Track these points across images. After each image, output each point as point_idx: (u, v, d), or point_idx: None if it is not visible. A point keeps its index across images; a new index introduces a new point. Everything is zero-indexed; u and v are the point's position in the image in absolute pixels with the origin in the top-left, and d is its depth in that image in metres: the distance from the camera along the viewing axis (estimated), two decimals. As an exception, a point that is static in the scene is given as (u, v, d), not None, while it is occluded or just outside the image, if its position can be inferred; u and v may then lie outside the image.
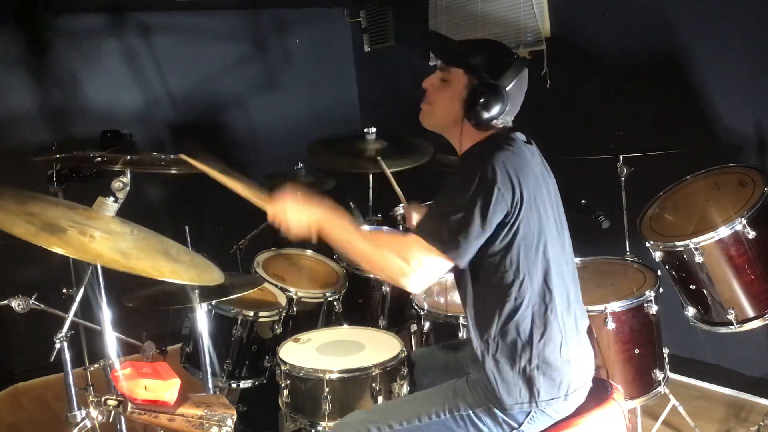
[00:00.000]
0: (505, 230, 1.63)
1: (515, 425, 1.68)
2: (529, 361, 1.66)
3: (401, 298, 3.01)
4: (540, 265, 1.67)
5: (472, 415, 1.69)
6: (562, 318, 1.70)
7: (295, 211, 1.70)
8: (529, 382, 1.66)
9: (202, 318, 2.22)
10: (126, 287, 2.29)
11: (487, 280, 1.69)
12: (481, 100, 1.68)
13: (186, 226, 2.32)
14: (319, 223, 1.70)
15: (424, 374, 2.08)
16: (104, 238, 1.49)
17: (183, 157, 1.66)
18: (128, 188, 1.65)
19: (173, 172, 1.95)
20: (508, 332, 1.66)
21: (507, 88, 1.70)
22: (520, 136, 1.76)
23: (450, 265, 1.64)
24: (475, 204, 1.59)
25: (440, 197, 1.70)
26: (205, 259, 1.77)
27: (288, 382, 2.11)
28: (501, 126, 1.78)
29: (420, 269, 1.62)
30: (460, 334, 2.40)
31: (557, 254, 1.71)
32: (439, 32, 2.06)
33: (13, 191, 1.51)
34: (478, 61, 1.74)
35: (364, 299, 3.02)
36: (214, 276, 1.68)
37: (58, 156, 2.30)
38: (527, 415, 1.68)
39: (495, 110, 1.69)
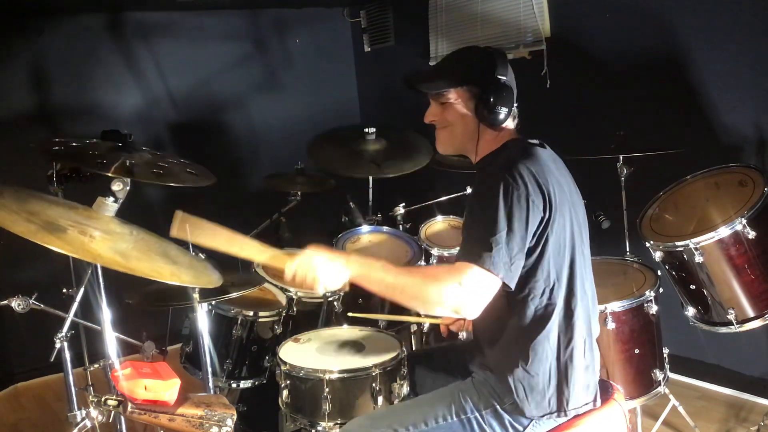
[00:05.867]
0: (538, 237, 1.61)
1: (520, 428, 1.68)
2: (557, 368, 1.65)
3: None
4: (566, 271, 1.65)
5: (479, 417, 1.69)
6: (584, 322, 1.69)
7: (323, 262, 1.62)
8: (559, 391, 1.65)
9: (202, 318, 2.22)
10: (126, 287, 2.29)
11: (519, 290, 1.63)
12: (492, 101, 1.68)
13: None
14: (354, 269, 1.62)
15: (424, 375, 2.07)
16: (104, 239, 1.49)
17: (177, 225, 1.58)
18: (128, 188, 1.65)
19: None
20: (537, 340, 1.63)
21: (505, 79, 1.71)
22: (534, 141, 1.75)
23: (499, 283, 1.55)
24: (512, 218, 1.55)
25: (473, 218, 1.66)
26: (204, 261, 1.76)
27: (288, 382, 2.11)
28: (513, 125, 1.79)
29: (475, 292, 1.53)
30: (461, 335, 2.39)
31: (579, 257, 1.69)
32: (412, 74, 1.86)
33: (13, 190, 1.51)
34: (465, 71, 1.74)
35: (364, 299, 3.01)
36: (212, 278, 1.68)
37: (57, 146, 2.29)
38: (532, 420, 1.67)
39: (508, 104, 1.70)
